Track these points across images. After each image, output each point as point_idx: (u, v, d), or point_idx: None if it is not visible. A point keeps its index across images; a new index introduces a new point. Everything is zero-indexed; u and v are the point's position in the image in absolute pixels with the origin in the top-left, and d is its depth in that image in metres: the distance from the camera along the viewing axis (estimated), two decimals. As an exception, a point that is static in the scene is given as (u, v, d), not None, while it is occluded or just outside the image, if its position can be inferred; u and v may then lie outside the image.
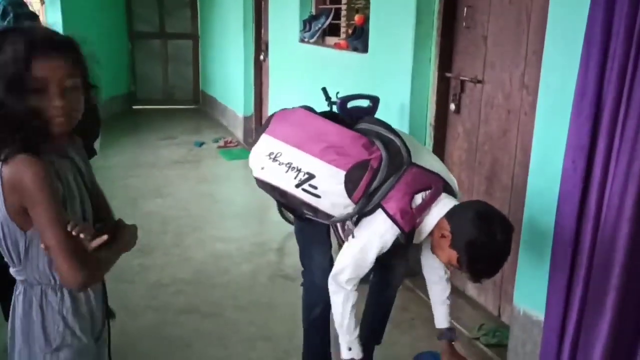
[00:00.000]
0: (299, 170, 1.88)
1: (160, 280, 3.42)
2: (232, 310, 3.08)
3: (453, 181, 2.01)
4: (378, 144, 1.84)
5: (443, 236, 1.82)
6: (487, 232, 1.75)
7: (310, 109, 2.04)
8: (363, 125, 1.95)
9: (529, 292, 2.46)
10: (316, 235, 2.06)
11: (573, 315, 2.11)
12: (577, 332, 2.11)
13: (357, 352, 2.04)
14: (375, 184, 1.82)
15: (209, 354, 2.70)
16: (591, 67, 1.95)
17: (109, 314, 1.58)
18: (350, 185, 1.81)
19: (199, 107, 9.14)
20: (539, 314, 2.32)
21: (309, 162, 1.87)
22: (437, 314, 2.24)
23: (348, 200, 1.84)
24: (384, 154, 1.82)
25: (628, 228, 1.89)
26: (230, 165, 6.01)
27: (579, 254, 2.08)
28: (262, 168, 1.98)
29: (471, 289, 3.22)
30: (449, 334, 2.25)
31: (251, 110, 6.92)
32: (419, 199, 1.85)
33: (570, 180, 2.08)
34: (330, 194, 1.85)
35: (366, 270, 1.94)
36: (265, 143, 1.99)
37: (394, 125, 3.40)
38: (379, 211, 1.85)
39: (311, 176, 1.86)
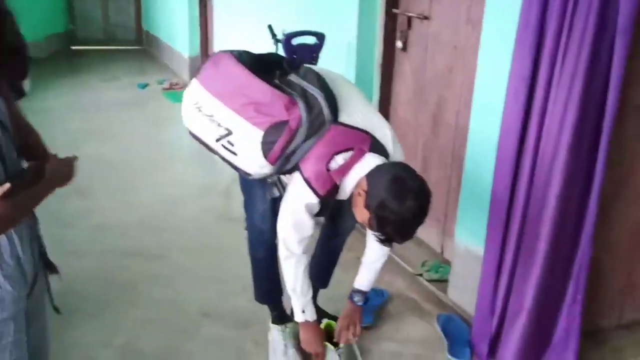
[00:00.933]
0: (219, 125, 1.80)
1: (104, 223, 3.34)
2: (179, 252, 3.05)
3: (386, 136, 1.87)
4: (300, 103, 1.73)
5: (360, 194, 1.76)
6: (398, 196, 1.65)
7: (242, 56, 1.86)
8: (293, 78, 1.83)
9: (470, 227, 2.51)
10: (256, 182, 2.01)
11: (510, 250, 2.18)
12: (513, 265, 2.18)
13: (310, 314, 2.05)
14: (292, 145, 1.74)
15: (157, 295, 2.67)
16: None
17: (49, 268, 1.50)
18: (266, 146, 1.74)
19: (143, 48, 8.79)
20: (480, 250, 2.38)
21: (228, 117, 1.77)
22: (360, 274, 2.19)
23: (265, 161, 1.78)
24: (303, 115, 1.72)
25: (565, 157, 1.93)
26: (176, 107, 5.75)
27: (517, 187, 2.12)
28: (188, 117, 1.91)
29: (416, 226, 3.27)
30: (358, 296, 2.20)
31: (197, 50, 6.70)
32: (340, 159, 1.76)
33: (512, 112, 2.09)
34: (247, 152, 1.79)
35: (309, 229, 1.89)
36: (194, 90, 1.89)
37: (341, 65, 3.40)
38: (297, 173, 1.80)
39: (229, 132, 1.78)
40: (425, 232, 3.19)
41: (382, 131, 1.87)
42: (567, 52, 1.88)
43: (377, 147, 1.83)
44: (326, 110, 1.75)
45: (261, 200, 2.06)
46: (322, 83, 1.80)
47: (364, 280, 2.19)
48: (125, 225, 3.31)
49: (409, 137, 3.21)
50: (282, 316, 2.32)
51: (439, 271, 2.88)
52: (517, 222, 2.14)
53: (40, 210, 1.40)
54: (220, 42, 5.95)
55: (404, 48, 3.14)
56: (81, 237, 3.17)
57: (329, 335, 2.21)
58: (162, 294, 2.68)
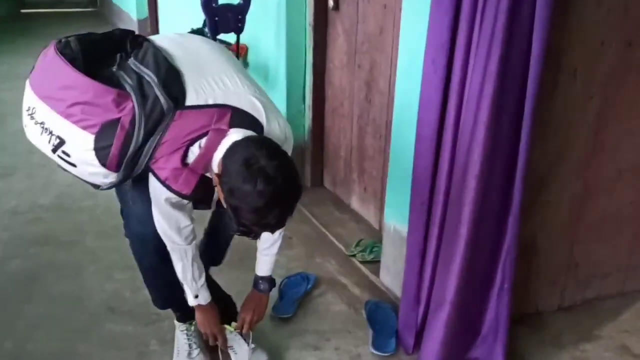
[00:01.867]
0: (51, 133, 1.51)
1: (17, 207, 3.07)
2: (92, 238, 2.80)
3: (255, 105, 1.59)
4: (132, 94, 1.46)
5: (217, 176, 1.51)
6: (247, 179, 1.40)
7: (68, 45, 1.54)
8: (131, 63, 1.54)
9: (398, 206, 2.28)
10: (126, 184, 1.74)
11: (434, 234, 1.96)
12: (437, 251, 1.96)
13: (203, 297, 1.87)
14: (132, 147, 1.47)
15: (59, 289, 2.43)
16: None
17: None
18: (101, 152, 1.48)
19: (96, 10, 8.35)
20: (406, 230, 2.16)
21: (57, 123, 1.49)
22: (258, 262, 1.99)
23: (106, 169, 1.52)
24: (136, 108, 1.45)
25: (483, 133, 1.70)
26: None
27: (440, 165, 1.89)
28: (25, 126, 1.61)
29: (355, 201, 3.05)
30: (264, 284, 2.01)
31: (145, 12, 6.32)
32: (195, 149, 1.51)
33: (430, 84, 1.85)
34: (84, 161, 1.52)
35: (185, 219, 1.66)
36: (26, 93, 1.59)
37: (271, 29, 3.10)
38: (151, 175, 1.55)
39: (62, 141, 1.50)
40: (365, 207, 2.97)
41: (249, 100, 1.59)
42: (485, 10, 1.63)
43: (243, 120, 1.56)
44: (162, 97, 1.47)
45: (136, 202, 1.76)
46: (158, 64, 1.51)
47: (264, 266, 1.98)
48: (39, 209, 3.05)
49: (345, 107, 2.96)
50: (186, 314, 2.09)
51: (374, 251, 2.66)
52: (440, 204, 1.91)
53: None
54: (166, 4, 5.58)
55: (336, 7, 2.86)
56: (-10, 224, 2.91)
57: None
58: (66, 287, 2.44)
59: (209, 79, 1.57)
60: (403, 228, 2.24)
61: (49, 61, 1.53)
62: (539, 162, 1.96)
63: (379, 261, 2.55)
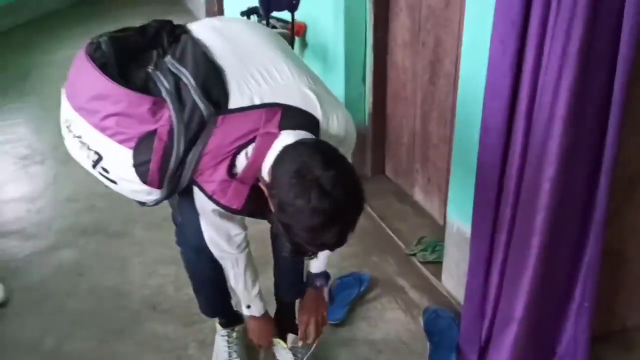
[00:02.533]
0: (89, 148, 1.35)
1: (73, 195, 3.03)
2: (142, 229, 2.71)
3: (308, 97, 1.37)
4: (168, 101, 1.28)
5: (267, 187, 1.31)
6: (299, 194, 1.18)
7: (101, 46, 1.37)
8: (167, 61, 1.35)
9: (462, 204, 2.02)
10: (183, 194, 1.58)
11: (502, 240, 1.69)
12: (504, 261, 1.70)
13: (257, 309, 1.74)
14: (173, 161, 1.29)
15: (102, 282, 2.36)
16: None
17: None
18: (140, 169, 1.30)
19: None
20: (470, 232, 1.90)
21: (93, 137, 1.33)
22: (312, 261, 1.78)
23: (148, 187, 1.34)
24: (174, 116, 1.27)
25: (561, 127, 1.41)
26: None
27: (509, 161, 1.62)
28: (64, 139, 1.45)
29: (418, 193, 2.79)
30: (320, 279, 1.82)
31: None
32: (242, 158, 1.31)
33: (498, 67, 1.57)
34: (124, 179, 1.35)
35: (234, 228, 1.51)
36: (62, 103, 1.43)
37: (329, 4, 2.86)
38: (197, 189, 1.37)
39: (100, 156, 1.34)
40: (428, 200, 2.71)
41: (302, 93, 1.37)
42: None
43: (296, 119, 1.33)
44: (201, 102, 1.28)
45: (189, 212, 1.55)
46: (197, 62, 1.32)
47: (317, 263, 1.78)
48: (94, 197, 2.98)
49: (407, 89, 2.69)
50: (230, 320, 1.95)
51: (436, 251, 2.41)
52: (509, 206, 1.64)
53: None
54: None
55: (399, -21, 2.58)
56: (45, 212, 2.89)
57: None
58: (111, 281, 2.36)
59: (253, 72, 1.36)
60: (467, 229, 1.98)
61: (80, 67, 1.36)
62: (629, 159, 1.64)
63: (441, 262, 2.30)
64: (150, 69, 1.35)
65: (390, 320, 2.13)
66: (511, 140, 1.59)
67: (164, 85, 1.30)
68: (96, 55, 1.34)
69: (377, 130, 2.96)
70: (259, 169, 1.32)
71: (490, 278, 1.79)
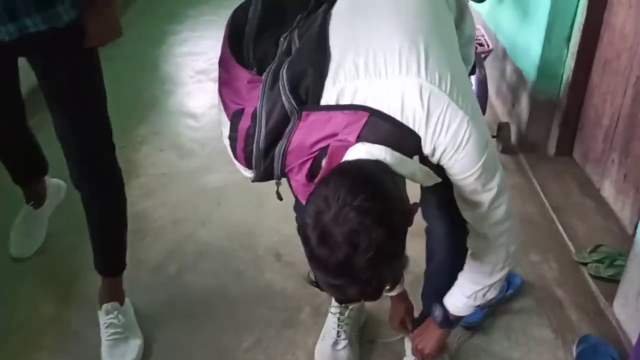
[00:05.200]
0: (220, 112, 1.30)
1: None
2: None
3: (417, 104, 1.02)
4: (264, 81, 1.15)
5: None
6: (305, 226, 0.98)
7: (250, 7, 1.29)
8: (295, 33, 1.21)
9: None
10: None
11: None
12: None
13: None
14: (255, 145, 1.13)
15: (237, 215, 2.29)
16: None
17: None
18: (232, 143, 1.20)
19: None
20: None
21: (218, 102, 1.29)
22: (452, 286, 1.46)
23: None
24: (260, 99, 1.13)
25: None
26: None
27: None
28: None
29: (608, 188, 2.29)
30: (438, 311, 1.50)
31: None
32: (324, 164, 1.08)
33: None
34: (226, 147, 1.25)
35: None
36: None
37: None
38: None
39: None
40: (620, 200, 2.22)
41: (412, 94, 1.01)
42: None
43: (381, 129, 1.03)
44: (284, 94, 1.09)
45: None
46: (303, 46, 1.15)
47: (451, 296, 1.46)
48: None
49: (621, 60, 2.16)
50: None
51: (615, 265, 1.95)
52: None
53: None
54: None
55: None
56: (204, 131, 2.89)
57: None
58: (245, 216, 2.29)
59: (358, 56, 1.06)
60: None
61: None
62: None
63: (618, 282, 1.86)
64: (282, 39, 1.22)
65: (535, 339, 1.78)
66: None
67: (271, 64, 1.17)
68: (235, 20, 1.29)
69: (572, 103, 2.46)
70: None
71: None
